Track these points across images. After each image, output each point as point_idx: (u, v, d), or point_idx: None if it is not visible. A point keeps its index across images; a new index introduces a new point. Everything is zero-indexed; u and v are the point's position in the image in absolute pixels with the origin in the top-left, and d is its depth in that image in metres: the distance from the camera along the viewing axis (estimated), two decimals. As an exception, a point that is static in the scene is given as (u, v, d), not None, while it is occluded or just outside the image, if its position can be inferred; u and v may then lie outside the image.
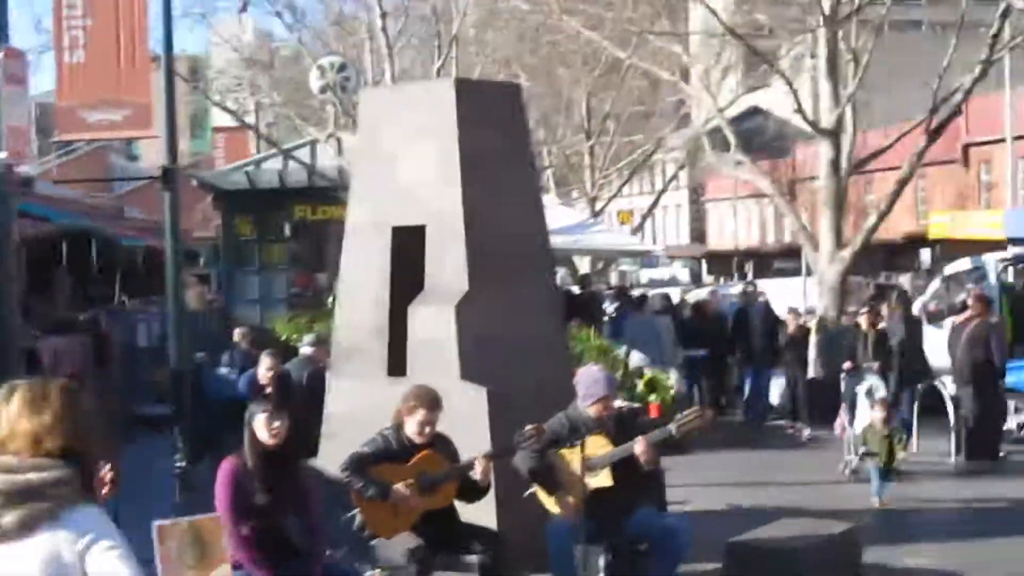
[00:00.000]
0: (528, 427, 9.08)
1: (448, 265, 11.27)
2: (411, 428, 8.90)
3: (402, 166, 11.67)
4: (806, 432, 19.42)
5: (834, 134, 22.43)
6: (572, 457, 9.12)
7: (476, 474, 8.89)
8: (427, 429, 8.90)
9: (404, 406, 8.96)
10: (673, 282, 59.72)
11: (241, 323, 21.54)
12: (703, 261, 72.36)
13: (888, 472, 14.20)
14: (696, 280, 62.93)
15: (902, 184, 22.60)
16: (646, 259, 71.62)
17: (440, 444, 9.06)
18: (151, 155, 46.92)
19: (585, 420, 9.36)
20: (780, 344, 21.01)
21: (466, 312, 11.07)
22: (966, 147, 49.25)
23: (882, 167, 32.05)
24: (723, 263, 65.46)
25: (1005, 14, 21.19)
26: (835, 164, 22.40)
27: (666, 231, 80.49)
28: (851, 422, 15.95)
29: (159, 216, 18.19)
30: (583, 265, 39.62)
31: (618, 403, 9.63)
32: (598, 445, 9.23)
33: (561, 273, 50.07)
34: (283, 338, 21.40)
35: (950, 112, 22.68)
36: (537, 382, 10.85)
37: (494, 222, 11.42)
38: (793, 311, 21.10)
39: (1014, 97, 38.91)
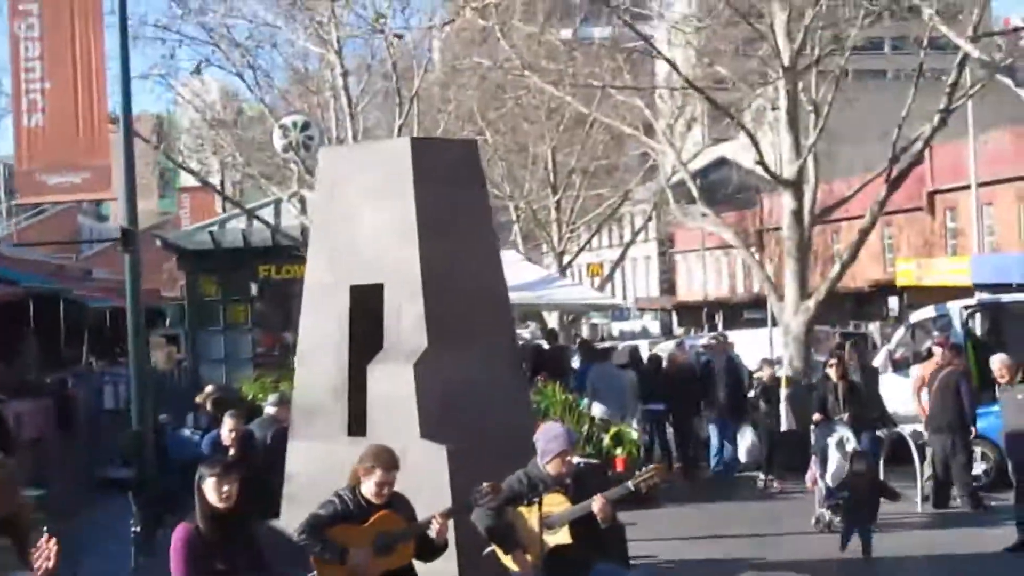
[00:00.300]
0: (484, 485, 9.04)
1: (406, 323, 11.27)
2: (368, 489, 8.84)
3: (360, 224, 11.69)
4: (776, 485, 19.31)
5: (796, 185, 22.50)
6: (530, 514, 9.09)
7: (433, 532, 8.83)
8: (384, 490, 8.84)
9: (361, 467, 8.91)
10: (644, 334, 59.92)
11: (208, 383, 21.44)
12: (673, 312, 72.43)
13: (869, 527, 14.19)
14: (667, 332, 63.03)
15: (864, 233, 22.67)
16: (616, 312, 71.86)
17: (397, 503, 9.00)
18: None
19: (544, 477, 9.34)
20: (746, 396, 21.00)
21: (425, 370, 11.06)
22: (931, 194, 49.59)
23: (848, 216, 32.25)
24: (693, 314, 65.51)
25: (962, 63, 21.34)
26: (798, 215, 22.45)
27: (636, 283, 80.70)
28: (822, 475, 15.80)
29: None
30: (552, 320, 39.63)
31: (577, 459, 9.57)
32: (556, 502, 9.21)
33: (531, 328, 50.23)
34: (249, 398, 21.30)
35: (910, 161, 22.80)
36: (499, 438, 10.80)
37: (452, 279, 11.42)
38: (767, 362, 21.05)
39: (977, 144, 39.21)
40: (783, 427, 19.58)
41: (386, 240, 11.49)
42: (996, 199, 45.30)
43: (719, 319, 60.46)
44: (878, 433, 18.42)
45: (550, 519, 9.15)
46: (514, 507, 9.26)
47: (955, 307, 23.40)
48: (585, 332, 63.26)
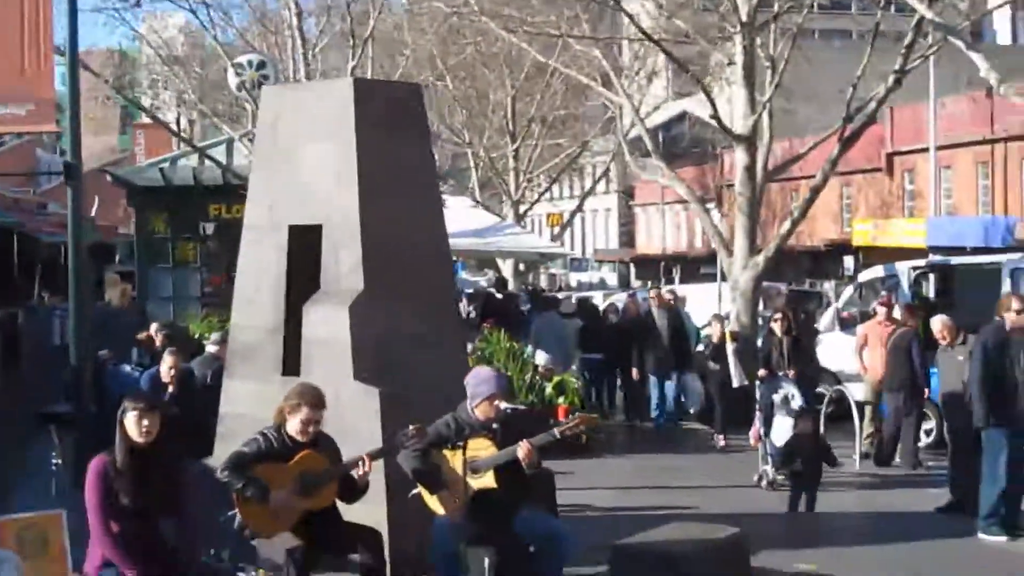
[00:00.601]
0: (410, 427, 9.05)
1: (344, 265, 11.22)
2: (293, 427, 8.84)
3: (300, 164, 11.61)
4: (720, 440, 19.37)
5: (749, 140, 22.51)
6: (455, 458, 9.11)
7: (356, 473, 8.84)
8: (310, 428, 8.84)
9: (287, 404, 8.91)
10: (601, 285, 60.02)
11: (155, 321, 21.38)
12: (631, 265, 72.58)
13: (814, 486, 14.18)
14: (624, 284, 63.17)
15: (815, 191, 22.72)
16: (575, 263, 71.95)
17: (323, 443, 9.01)
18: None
19: (471, 421, 9.36)
20: (691, 349, 21.03)
21: (361, 313, 11.02)
22: (890, 156, 49.77)
23: (807, 175, 32.27)
24: (651, 267, 65.65)
25: (919, 25, 21.33)
26: (750, 170, 22.48)
27: (595, 235, 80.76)
28: (766, 432, 15.80)
29: (83, 211, 18.04)
30: (507, 268, 39.63)
31: (505, 404, 9.58)
32: (482, 447, 9.23)
33: (489, 276, 50.26)
34: (196, 336, 21.25)
35: (863, 121, 22.82)
36: (433, 384, 10.77)
37: (391, 222, 11.38)
38: (717, 317, 21.07)
39: (937, 107, 39.29)
40: (734, 383, 19.43)
41: (326, 181, 11.42)
42: (954, 162, 45.49)
43: (676, 273, 60.61)
44: (820, 390, 18.53)
45: (475, 463, 9.17)
46: (440, 450, 9.28)
47: (903, 267, 23.47)
48: (543, 282, 63.37)
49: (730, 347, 19.59)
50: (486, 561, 9.57)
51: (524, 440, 9.12)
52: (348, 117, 11.32)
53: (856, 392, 18.74)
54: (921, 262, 24.13)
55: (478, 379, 9.49)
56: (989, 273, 21.76)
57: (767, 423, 15.75)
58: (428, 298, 11.64)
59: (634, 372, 21.18)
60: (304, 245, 11.47)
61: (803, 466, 14.24)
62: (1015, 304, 12.95)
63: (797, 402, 15.75)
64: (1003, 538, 12.70)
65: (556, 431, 9.31)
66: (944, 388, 14.93)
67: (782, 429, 15.48)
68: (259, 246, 11.90)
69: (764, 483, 15.57)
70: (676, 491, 15.46)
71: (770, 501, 14.75)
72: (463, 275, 58.84)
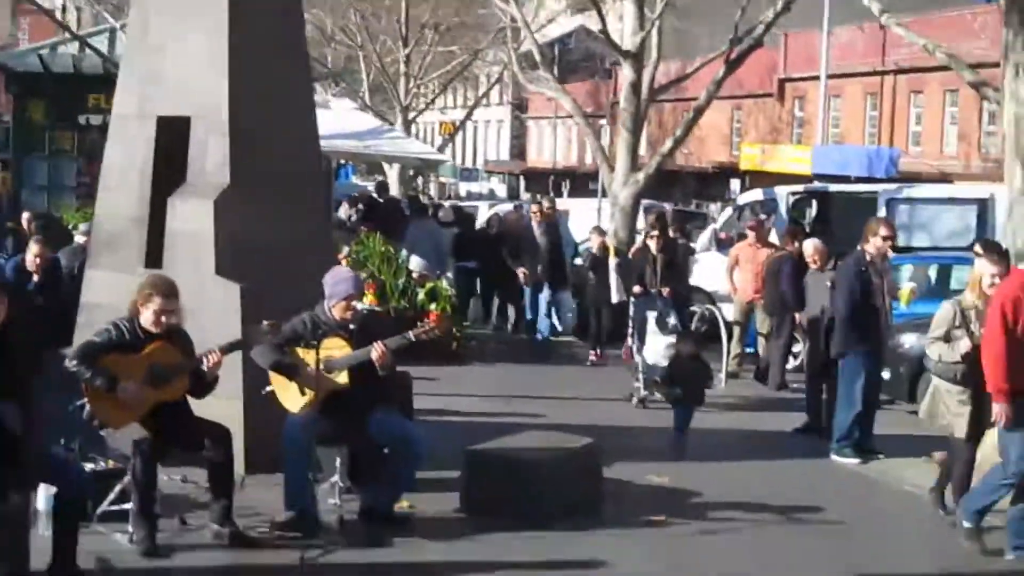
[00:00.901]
0: (264, 323, 9.02)
1: (211, 159, 11.10)
2: (146, 318, 8.76)
3: (171, 53, 11.39)
4: (593, 356, 19.30)
5: (636, 57, 22.53)
6: (310, 357, 9.09)
7: (205, 366, 8.79)
8: (163, 319, 8.76)
9: (139, 295, 8.81)
10: (491, 196, 59.95)
11: (30, 209, 21.09)
12: (521, 177, 72.61)
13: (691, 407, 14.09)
14: (513, 196, 63.17)
15: (699, 112, 22.86)
16: (465, 173, 71.77)
17: (176, 336, 8.93)
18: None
19: (327, 320, 9.35)
20: (566, 264, 20.99)
21: (226, 207, 10.92)
22: (782, 82, 50.11)
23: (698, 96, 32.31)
24: (541, 181, 65.75)
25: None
26: (635, 87, 22.53)
27: (487, 146, 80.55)
28: (639, 349, 15.79)
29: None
30: (392, 174, 39.43)
31: (361, 305, 9.57)
32: (337, 346, 9.23)
33: (378, 182, 49.96)
34: (70, 227, 20.94)
35: (750, 44, 22.92)
36: (296, 283, 10.67)
37: (262, 118, 11.23)
38: (597, 229, 20.96)
39: (831, 36, 39.52)
40: (614, 299, 19.24)
41: (197, 72, 11.22)
42: (844, 92, 45.92)
43: (566, 188, 60.82)
44: (692, 309, 18.67)
45: (330, 362, 9.17)
46: (294, 347, 9.26)
47: (782, 192, 23.72)
48: (433, 191, 63.25)
49: (612, 262, 19.51)
50: (337, 460, 9.62)
51: (378, 342, 9.13)
52: (222, 7, 11.12)
53: (728, 313, 18.93)
54: (800, 188, 24.44)
55: (336, 279, 9.46)
56: (866, 202, 22.07)
57: (640, 340, 15.75)
58: (296, 196, 11.54)
59: (521, 275, 20.82)
60: (173, 137, 11.29)
61: (683, 388, 14.21)
62: (882, 230, 13.15)
63: (671, 320, 15.83)
64: (855, 460, 12.95)
65: (411, 334, 9.33)
66: (809, 311, 15.12)
67: (655, 347, 15.58)
68: (126, 136, 11.71)
69: (635, 400, 15.53)
70: (540, 401, 15.42)
71: (636, 417, 14.86)
72: (354, 179, 58.47)
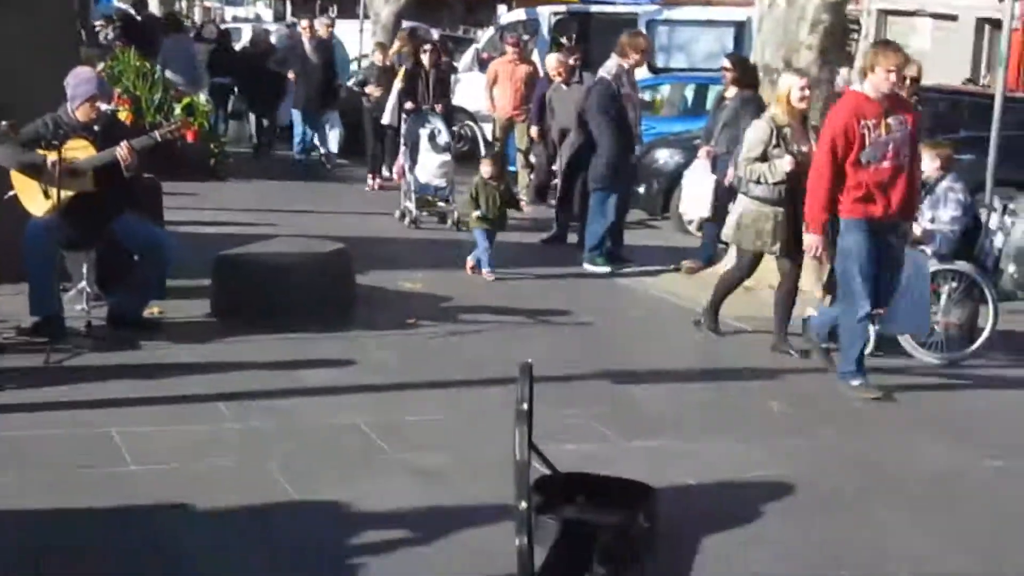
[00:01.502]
0: (3, 123, 8.79)
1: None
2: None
3: None
4: (372, 179, 18.76)
5: None
6: (53, 157, 8.89)
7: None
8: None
9: None
10: (256, 20, 58.66)
11: None
12: (288, 1, 71.08)
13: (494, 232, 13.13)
14: (279, 18, 61.88)
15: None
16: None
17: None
18: None
19: (71, 121, 9.15)
20: (337, 86, 20.63)
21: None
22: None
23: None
24: (309, 4, 64.43)
25: None
26: None
27: (254, -32, 78.49)
28: (411, 167, 15.47)
29: None
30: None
31: (105, 106, 9.37)
32: (81, 147, 9.05)
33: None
34: None
35: None
36: (41, 91, 10.33)
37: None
38: (381, 44, 20.40)
39: None
40: (386, 120, 18.78)
41: None
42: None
43: (333, 10, 59.75)
44: (454, 128, 18.60)
45: (74, 164, 8.99)
46: (36, 149, 9.04)
47: (545, 12, 23.82)
48: (197, 15, 61.58)
49: (398, 85, 18.89)
50: (84, 266, 9.48)
51: (124, 142, 8.99)
52: None
53: (488, 131, 19.02)
54: (562, 7, 24.55)
55: (78, 79, 9.24)
56: (626, 22, 22.24)
57: (412, 160, 15.51)
58: (37, 6, 11.11)
59: (291, 76, 20.42)
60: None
61: (488, 211, 13.60)
62: (642, 43, 13.44)
63: (444, 138, 15.56)
64: (606, 268, 13.32)
65: (156, 133, 9.26)
66: (556, 125, 15.29)
67: (427, 165, 15.48)
68: None
69: (407, 220, 15.37)
70: (299, 215, 15.27)
71: (398, 231, 14.89)
72: (115, 2, 56.46)
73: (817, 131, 9.81)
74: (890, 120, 8.77)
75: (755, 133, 10.02)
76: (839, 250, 8.99)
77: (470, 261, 12.70)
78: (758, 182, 9.86)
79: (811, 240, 9.03)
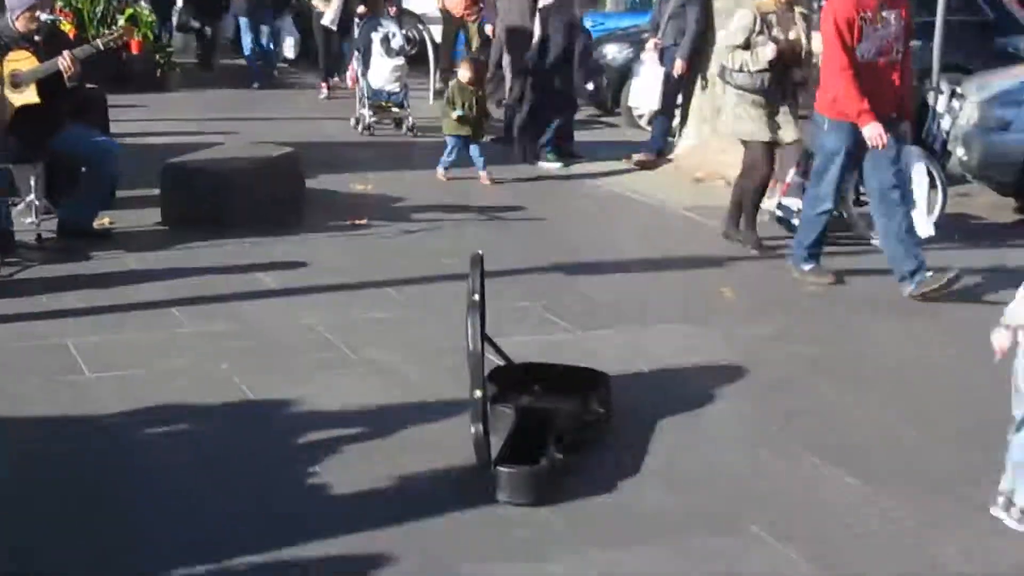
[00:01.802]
0: (-60, 36, 8.70)
1: None
2: None
3: None
4: (324, 87, 18.43)
5: None
6: (-4, 71, 8.82)
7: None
8: None
9: None
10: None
11: None
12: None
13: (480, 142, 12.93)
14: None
15: None
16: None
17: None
18: None
19: (10, 33, 9.06)
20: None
21: None
22: None
23: None
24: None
25: None
26: None
27: None
28: (364, 73, 15.12)
29: None
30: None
31: (45, 16, 9.25)
32: (22, 58, 8.97)
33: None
34: None
35: None
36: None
37: None
38: None
39: None
40: (326, 20, 18.39)
41: None
42: None
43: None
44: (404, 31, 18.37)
45: (16, 76, 8.92)
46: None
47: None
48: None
49: None
50: (32, 179, 9.42)
51: (66, 51, 8.91)
52: None
53: (436, 34, 18.84)
54: None
55: (18, -11, 9.12)
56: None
57: (365, 63, 15.18)
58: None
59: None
60: None
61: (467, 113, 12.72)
62: None
63: (398, 41, 15.24)
64: (557, 164, 13.36)
65: (98, 41, 9.20)
66: (501, 23, 15.09)
67: (380, 71, 15.24)
68: None
69: (360, 127, 15.13)
70: (248, 123, 15.03)
71: (350, 135, 14.83)
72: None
73: (806, 18, 9.79)
74: (884, 12, 8.45)
75: (738, 20, 9.83)
76: (819, 147, 8.86)
77: (439, 169, 12.58)
78: (740, 70, 9.70)
79: (872, 131, 8.36)
